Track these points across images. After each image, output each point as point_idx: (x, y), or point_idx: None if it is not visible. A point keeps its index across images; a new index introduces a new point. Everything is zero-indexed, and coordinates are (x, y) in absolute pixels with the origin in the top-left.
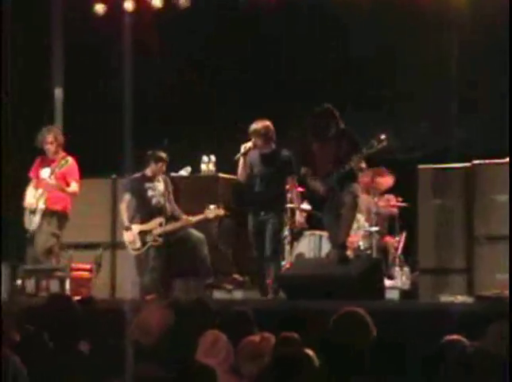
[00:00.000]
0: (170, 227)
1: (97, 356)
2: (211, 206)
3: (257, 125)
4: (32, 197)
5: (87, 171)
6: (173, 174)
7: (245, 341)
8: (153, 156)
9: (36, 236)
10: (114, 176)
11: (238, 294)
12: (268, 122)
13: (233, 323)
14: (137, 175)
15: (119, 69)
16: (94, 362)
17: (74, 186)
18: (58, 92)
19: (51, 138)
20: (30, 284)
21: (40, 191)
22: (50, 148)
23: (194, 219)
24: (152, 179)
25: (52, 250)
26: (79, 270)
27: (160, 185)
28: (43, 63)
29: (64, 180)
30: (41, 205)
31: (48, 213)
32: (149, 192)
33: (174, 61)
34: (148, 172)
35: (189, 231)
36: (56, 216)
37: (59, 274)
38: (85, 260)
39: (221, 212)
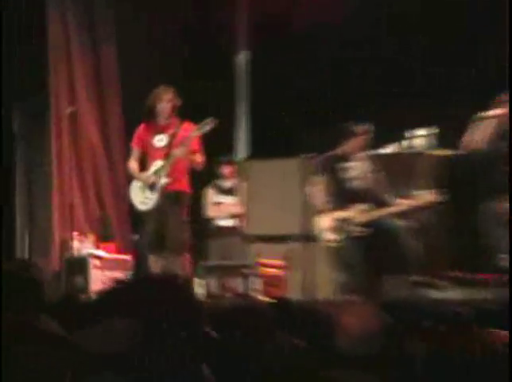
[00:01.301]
0: (374, 214)
1: None
2: (423, 190)
3: None
4: (149, 170)
5: (269, 150)
6: (376, 152)
7: None
8: (350, 130)
9: (160, 222)
10: (303, 155)
11: (456, 294)
12: None
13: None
14: (332, 153)
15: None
16: None
17: (200, 158)
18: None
19: (170, 96)
20: (212, 283)
21: (159, 163)
22: (165, 108)
23: (403, 205)
24: (350, 157)
25: (185, 242)
26: (269, 266)
27: (360, 165)
28: None
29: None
30: (162, 181)
31: (172, 194)
32: (347, 173)
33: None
34: (345, 149)
35: (394, 220)
36: (183, 198)
37: (245, 271)
38: (273, 255)
39: (435, 197)
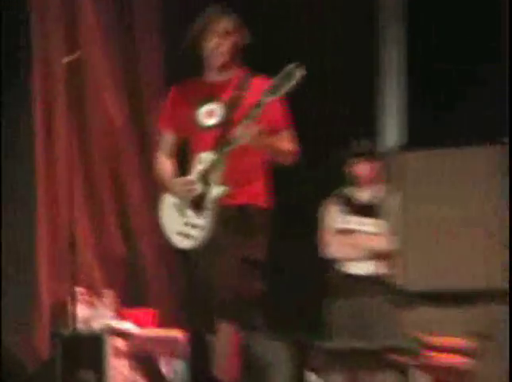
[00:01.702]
0: None
1: None
2: None
3: None
4: (192, 172)
5: (437, 134)
6: None
7: None
8: None
9: (213, 266)
10: (497, 141)
11: None
12: None
13: None
14: None
15: None
16: None
17: (288, 142)
18: None
19: (228, 25)
20: None
21: (209, 157)
22: (221, 48)
23: None
24: None
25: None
26: (443, 350)
27: None
28: None
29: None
30: (216, 191)
31: (235, 212)
32: None
33: None
34: None
35: None
36: (256, 220)
37: (400, 359)
38: (451, 329)
39: None
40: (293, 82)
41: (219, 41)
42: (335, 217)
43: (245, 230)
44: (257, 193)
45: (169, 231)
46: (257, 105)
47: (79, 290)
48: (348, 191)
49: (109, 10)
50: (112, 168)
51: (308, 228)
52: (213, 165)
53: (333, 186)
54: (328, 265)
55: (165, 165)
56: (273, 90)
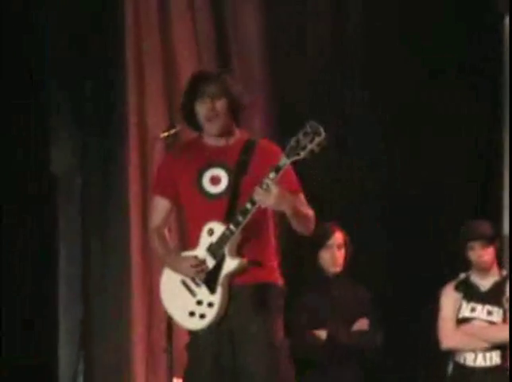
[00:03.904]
0: None
1: None
2: None
3: None
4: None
5: None
6: None
7: None
8: None
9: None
10: None
11: None
12: None
13: None
14: None
15: None
16: None
17: (305, 202)
18: None
19: (221, 86)
20: None
21: (217, 227)
22: (221, 113)
23: None
24: None
25: None
26: None
27: None
28: None
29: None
30: (228, 266)
31: (250, 290)
32: None
33: None
34: None
35: None
36: (273, 299)
37: None
38: None
39: None
40: (319, 140)
41: (209, 106)
42: (456, 305)
43: (265, 311)
44: (273, 268)
45: (178, 312)
46: (277, 167)
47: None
48: (468, 276)
49: None
50: None
51: (426, 316)
52: (226, 237)
53: (451, 272)
54: (447, 357)
55: (161, 235)
56: (295, 150)
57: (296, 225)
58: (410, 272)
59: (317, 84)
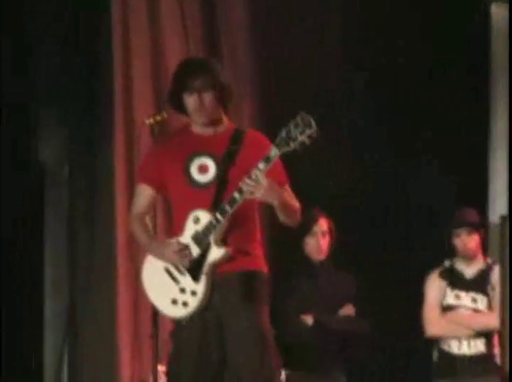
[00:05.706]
0: None
1: None
2: None
3: None
4: (183, 232)
5: None
6: None
7: None
8: None
9: (213, 340)
10: None
11: None
12: None
13: None
14: None
15: None
16: None
17: (292, 194)
18: None
19: (210, 77)
20: None
21: (203, 216)
22: (208, 105)
23: None
24: None
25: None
26: None
27: None
28: None
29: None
30: (214, 254)
31: (236, 278)
32: None
33: None
34: None
35: None
36: (258, 286)
37: None
38: None
39: None
40: (309, 132)
41: (198, 99)
42: (441, 292)
43: (251, 298)
44: (259, 256)
45: (160, 299)
46: (267, 158)
47: (161, 369)
48: (453, 264)
49: None
50: None
51: (411, 303)
52: (212, 226)
53: (436, 258)
54: (432, 344)
55: (142, 222)
56: (286, 142)
57: (282, 217)
58: (395, 260)
59: (308, 73)
